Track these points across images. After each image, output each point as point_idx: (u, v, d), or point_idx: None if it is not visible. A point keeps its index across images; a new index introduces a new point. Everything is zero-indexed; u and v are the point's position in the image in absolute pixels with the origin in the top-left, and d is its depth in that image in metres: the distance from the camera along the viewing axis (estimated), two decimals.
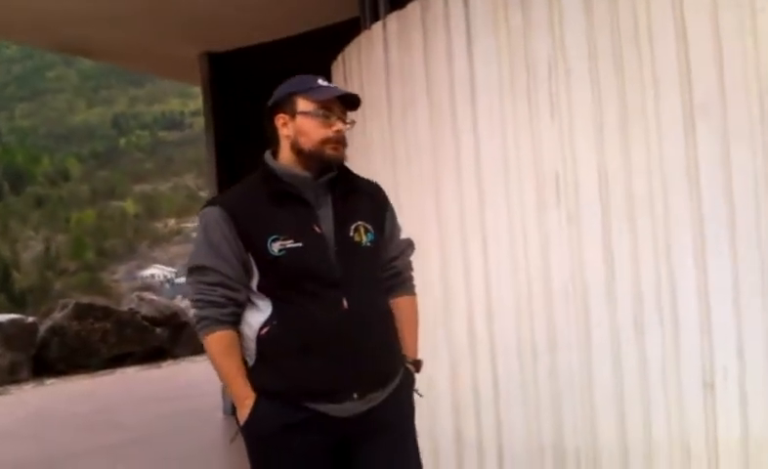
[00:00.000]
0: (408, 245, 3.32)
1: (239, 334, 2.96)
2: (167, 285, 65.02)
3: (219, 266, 2.88)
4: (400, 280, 3.27)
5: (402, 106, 5.08)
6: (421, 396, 3.22)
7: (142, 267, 77.21)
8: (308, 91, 3.00)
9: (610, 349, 4.18)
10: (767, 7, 3.75)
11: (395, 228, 3.24)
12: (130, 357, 16.47)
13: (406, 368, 3.17)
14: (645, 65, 4.05)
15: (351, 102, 3.09)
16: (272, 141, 3.10)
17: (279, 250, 2.86)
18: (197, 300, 2.93)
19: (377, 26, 5.36)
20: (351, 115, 3.09)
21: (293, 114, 2.99)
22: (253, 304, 2.95)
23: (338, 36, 6.20)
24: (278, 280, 2.89)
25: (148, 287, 50.55)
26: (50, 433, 9.59)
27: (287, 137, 3.01)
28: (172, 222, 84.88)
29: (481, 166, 4.64)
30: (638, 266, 4.09)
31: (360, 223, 3.04)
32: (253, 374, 2.93)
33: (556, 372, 4.38)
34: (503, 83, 4.54)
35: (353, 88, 5.71)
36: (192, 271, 2.97)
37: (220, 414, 9.64)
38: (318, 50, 7.20)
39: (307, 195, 2.97)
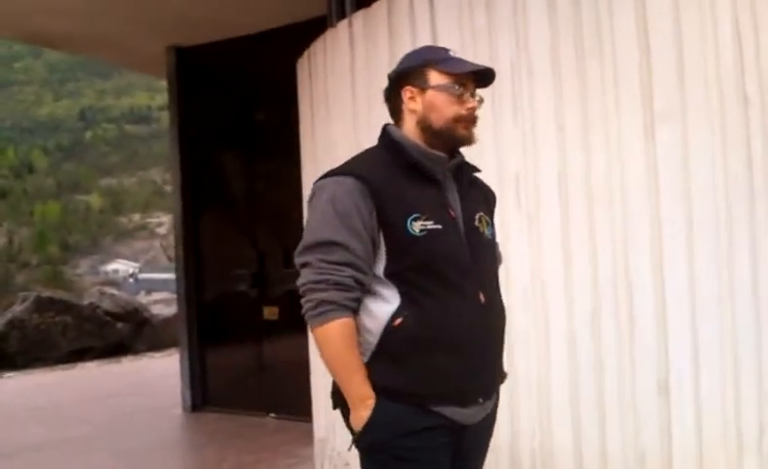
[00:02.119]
0: (501, 255, 3.06)
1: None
2: (131, 280, 64.59)
3: (350, 242, 2.52)
4: None
5: (367, 103, 5.07)
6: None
7: (105, 261, 76.62)
8: (442, 62, 2.73)
9: (567, 351, 4.21)
10: (728, 14, 3.79)
11: (495, 231, 2.96)
12: (90, 351, 16.31)
13: None
14: (607, 69, 4.08)
15: (485, 79, 2.84)
16: (394, 114, 2.83)
17: (420, 231, 2.55)
18: (319, 281, 2.52)
19: (343, 24, 5.36)
20: (480, 93, 2.84)
21: (424, 88, 2.71)
22: (375, 292, 2.60)
23: (305, 33, 6.21)
24: (412, 266, 2.56)
25: (111, 282, 50.26)
26: (7, 426, 9.49)
27: (413, 112, 2.73)
28: (137, 217, 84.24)
29: None
30: (596, 268, 4.11)
31: (481, 213, 2.82)
32: (372, 371, 2.56)
33: (513, 374, 4.39)
34: None
35: (318, 86, 5.72)
36: (313, 247, 2.57)
37: (179, 411, 9.60)
38: (284, 47, 7.23)
39: (439, 176, 2.70)
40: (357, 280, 2.55)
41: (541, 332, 4.30)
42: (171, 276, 13.15)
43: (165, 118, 11.45)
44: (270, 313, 8.98)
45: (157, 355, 16.05)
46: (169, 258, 59.30)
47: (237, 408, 9.18)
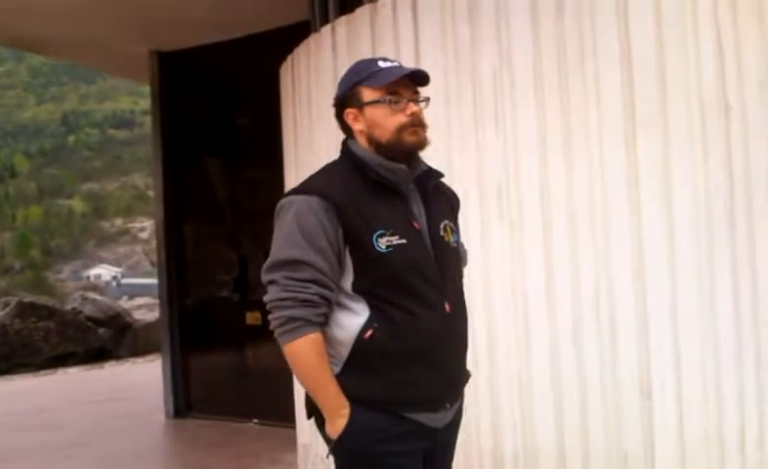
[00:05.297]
0: (466, 253, 3.13)
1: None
2: (113, 285, 64.39)
3: (314, 260, 2.56)
4: None
5: None
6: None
7: (88, 266, 76.39)
8: (368, 78, 2.73)
9: (549, 358, 4.22)
10: (710, 25, 3.81)
11: (460, 234, 2.98)
12: (72, 357, 16.25)
13: None
14: (589, 80, 4.10)
15: (419, 78, 2.80)
16: (347, 136, 2.84)
17: (387, 246, 2.59)
18: (285, 299, 2.58)
19: (326, 30, 5.36)
20: (424, 91, 2.82)
21: (360, 107, 2.73)
22: (344, 306, 2.65)
23: (288, 39, 6.20)
24: (380, 280, 2.61)
25: (93, 287, 50.07)
26: None
27: (361, 132, 2.75)
28: (119, 221, 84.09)
29: None
30: (578, 277, 4.13)
31: (447, 221, 2.84)
32: (344, 381, 2.61)
33: (496, 379, 4.40)
34: (449, 94, 4.56)
35: (301, 91, 5.71)
36: (279, 265, 2.61)
37: (161, 417, 9.57)
38: (267, 52, 7.22)
39: (403, 188, 2.74)
40: (322, 297, 2.59)
41: (523, 340, 4.31)
42: (154, 280, 13.12)
43: (148, 123, 11.41)
44: (253, 318, 8.95)
45: (140, 360, 16.00)
46: (152, 263, 59.24)
47: (220, 414, 9.15)
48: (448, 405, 2.77)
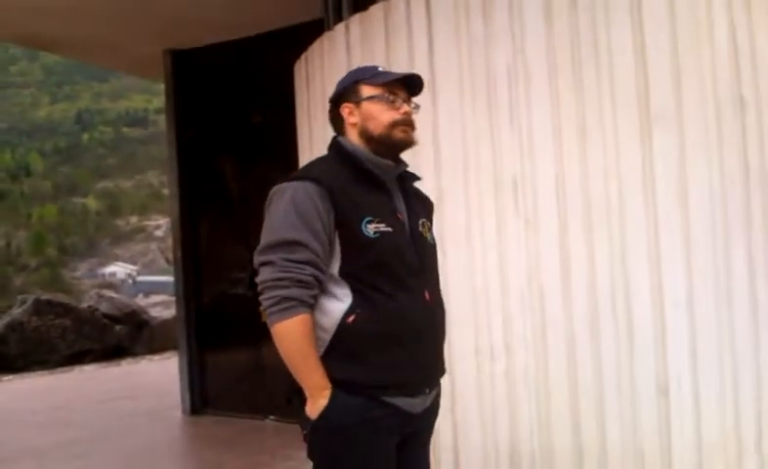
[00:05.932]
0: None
1: None
2: (128, 283, 64.55)
3: (310, 242, 2.67)
4: None
5: None
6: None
7: (103, 264, 76.52)
8: (372, 77, 2.93)
9: (565, 353, 4.22)
10: (724, 18, 3.80)
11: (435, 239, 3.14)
12: (89, 354, 16.34)
13: None
14: (603, 74, 4.10)
15: (414, 86, 2.99)
16: (338, 133, 3.02)
17: (375, 233, 2.73)
18: (281, 278, 2.67)
19: (340, 28, 5.37)
20: (416, 100, 3.01)
21: (358, 102, 2.92)
22: (329, 290, 2.75)
23: (301, 37, 6.21)
24: (365, 266, 2.73)
25: (109, 285, 50.20)
26: (6, 430, 9.49)
27: (354, 125, 2.93)
28: (134, 219, 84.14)
29: (440, 170, 4.67)
30: (594, 271, 4.13)
31: (424, 219, 3.01)
32: (326, 365, 2.71)
33: (512, 375, 4.41)
34: (464, 88, 4.57)
35: (315, 88, 5.72)
36: (276, 246, 2.71)
37: (178, 414, 9.60)
38: (281, 50, 7.22)
39: (388, 183, 2.91)
40: (316, 278, 2.70)
41: (538, 334, 4.31)
42: (169, 278, 13.16)
43: (162, 121, 11.43)
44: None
45: (156, 357, 16.07)
46: (167, 260, 59.33)
47: (237, 411, 9.17)
48: (426, 391, 2.88)
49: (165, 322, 17.30)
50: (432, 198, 4.62)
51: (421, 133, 4.68)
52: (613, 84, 4.07)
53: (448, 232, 4.61)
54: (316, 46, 5.73)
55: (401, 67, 4.82)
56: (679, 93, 3.90)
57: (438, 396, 3.02)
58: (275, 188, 2.86)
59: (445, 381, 4.61)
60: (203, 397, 9.70)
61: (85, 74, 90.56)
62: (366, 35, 5.07)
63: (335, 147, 3.00)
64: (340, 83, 3.04)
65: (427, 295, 2.85)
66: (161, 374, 12.74)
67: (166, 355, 15.47)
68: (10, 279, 64.93)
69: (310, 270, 2.68)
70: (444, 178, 4.65)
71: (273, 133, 8.83)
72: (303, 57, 5.98)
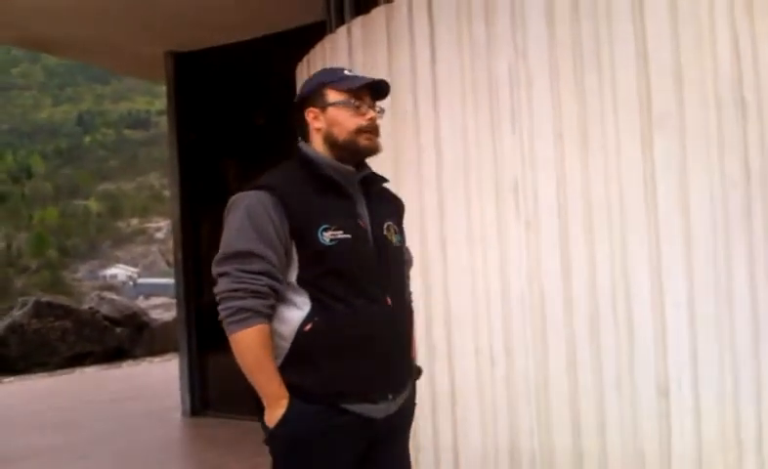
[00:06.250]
0: (411, 258, 3.26)
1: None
2: (129, 285, 64.54)
3: (265, 253, 2.69)
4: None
5: None
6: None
7: (104, 266, 76.50)
8: (337, 81, 2.91)
9: (565, 355, 4.23)
10: (726, 22, 3.81)
11: (404, 237, 3.13)
12: (90, 356, 16.34)
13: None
14: (604, 77, 4.11)
15: (380, 91, 2.97)
16: (303, 137, 3.01)
17: (331, 240, 2.72)
18: (237, 289, 2.69)
19: (342, 30, 5.38)
20: (380, 104, 2.99)
21: (324, 107, 2.90)
22: (287, 299, 2.76)
23: (304, 39, 6.21)
24: (323, 273, 2.73)
25: (109, 287, 50.19)
26: (7, 431, 9.49)
27: (319, 130, 2.91)
28: (135, 221, 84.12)
29: (442, 173, 4.68)
30: (594, 274, 4.13)
31: (390, 222, 2.98)
32: (285, 374, 2.72)
33: (513, 376, 4.41)
34: (465, 93, 4.57)
35: None
36: (231, 258, 2.74)
37: (178, 416, 9.61)
38: (283, 52, 7.22)
39: (349, 188, 2.88)
40: (272, 288, 2.71)
41: (539, 336, 4.32)
42: (170, 280, 13.15)
43: (164, 123, 11.44)
44: None
45: (157, 359, 16.07)
46: (168, 263, 59.32)
47: (237, 413, 9.16)
48: (390, 396, 2.85)
49: (166, 324, 17.29)
50: (434, 201, 4.68)
51: (423, 136, 4.74)
52: (614, 89, 4.08)
53: (449, 234, 4.63)
54: (318, 48, 5.74)
55: (402, 70, 4.84)
56: (680, 96, 3.90)
57: (410, 398, 3.01)
58: (232, 197, 2.89)
59: (444, 381, 4.67)
60: (204, 399, 9.71)
61: (87, 76, 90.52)
62: (368, 38, 5.08)
63: (297, 153, 2.99)
64: (305, 85, 3.03)
65: (389, 300, 2.84)
66: (162, 376, 12.74)
67: (167, 357, 15.48)
68: (11, 281, 64.93)
69: (265, 280, 2.69)
70: (445, 181, 4.66)
71: (274, 135, 8.83)
72: (305, 59, 5.98)
